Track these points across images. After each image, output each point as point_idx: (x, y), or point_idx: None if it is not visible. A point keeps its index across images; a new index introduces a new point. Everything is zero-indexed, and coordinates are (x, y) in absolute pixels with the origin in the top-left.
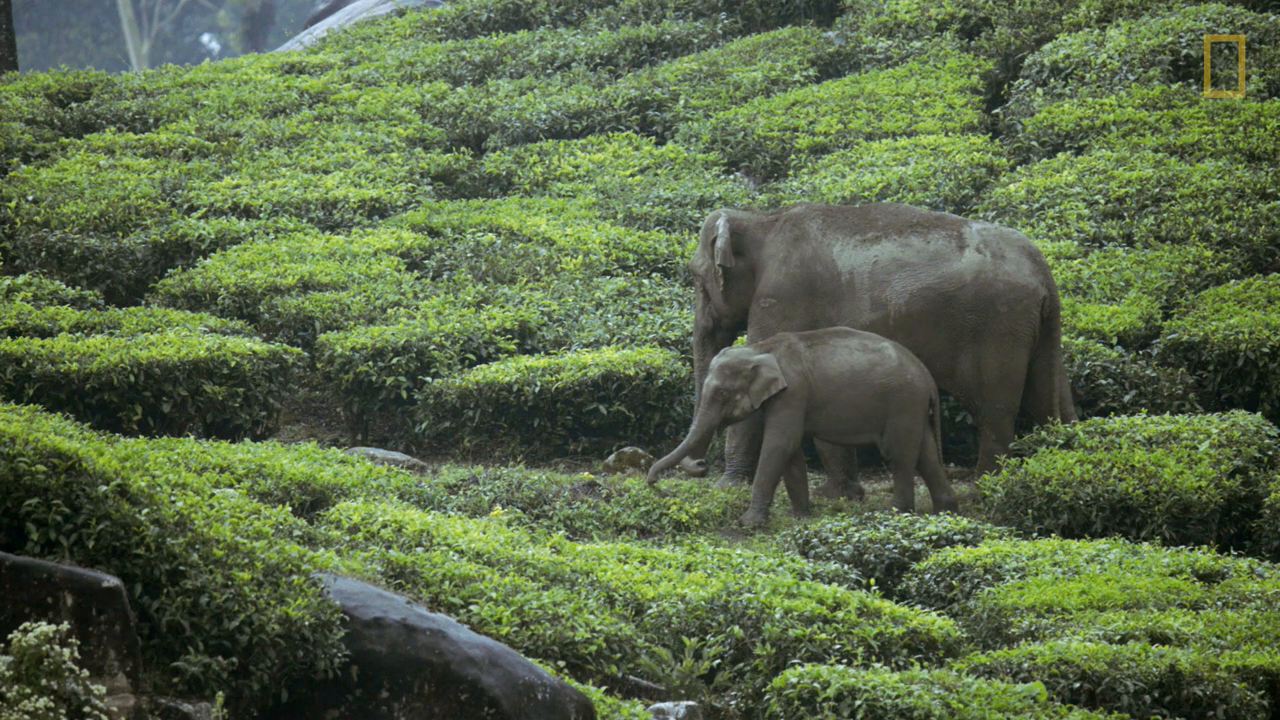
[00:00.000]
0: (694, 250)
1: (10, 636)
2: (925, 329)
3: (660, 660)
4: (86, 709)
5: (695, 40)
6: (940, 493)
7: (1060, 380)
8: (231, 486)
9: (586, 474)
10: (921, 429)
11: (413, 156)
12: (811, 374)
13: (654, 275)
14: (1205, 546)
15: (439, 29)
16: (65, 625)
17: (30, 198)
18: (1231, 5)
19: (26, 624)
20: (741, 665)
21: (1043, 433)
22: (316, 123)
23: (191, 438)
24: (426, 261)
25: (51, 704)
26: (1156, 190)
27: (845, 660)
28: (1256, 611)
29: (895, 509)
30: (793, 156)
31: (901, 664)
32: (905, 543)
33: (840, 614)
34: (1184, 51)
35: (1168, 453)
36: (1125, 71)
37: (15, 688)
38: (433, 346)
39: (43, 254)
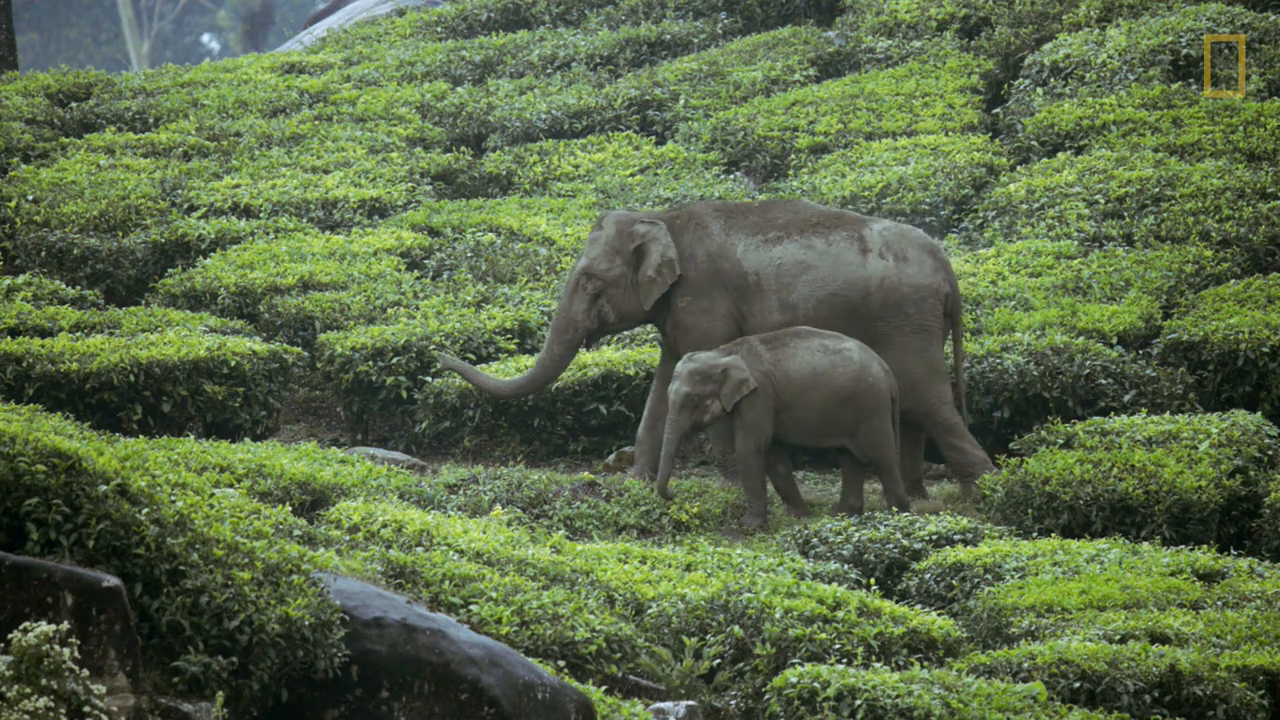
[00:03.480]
0: (593, 254)
1: (10, 636)
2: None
3: (660, 660)
4: (86, 709)
5: (695, 40)
6: (851, 497)
7: (961, 376)
8: (231, 486)
9: (586, 474)
10: (890, 428)
11: (413, 156)
12: (774, 375)
13: None
14: (1205, 546)
15: (439, 29)
16: (65, 625)
17: (30, 198)
18: (1231, 5)
19: (26, 624)
20: (741, 665)
21: (1043, 432)
22: (316, 123)
23: (191, 438)
24: (426, 261)
25: (51, 704)
26: (1156, 190)
27: (845, 660)
28: (1256, 611)
29: (893, 510)
30: (793, 156)
31: (901, 664)
32: (905, 542)
33: (840, 614)
34: (1184, 51)
35: (1168, 452)
36: (1125, 71)
37: (15, 687)
38: (433, 346)
39: (43, 254)
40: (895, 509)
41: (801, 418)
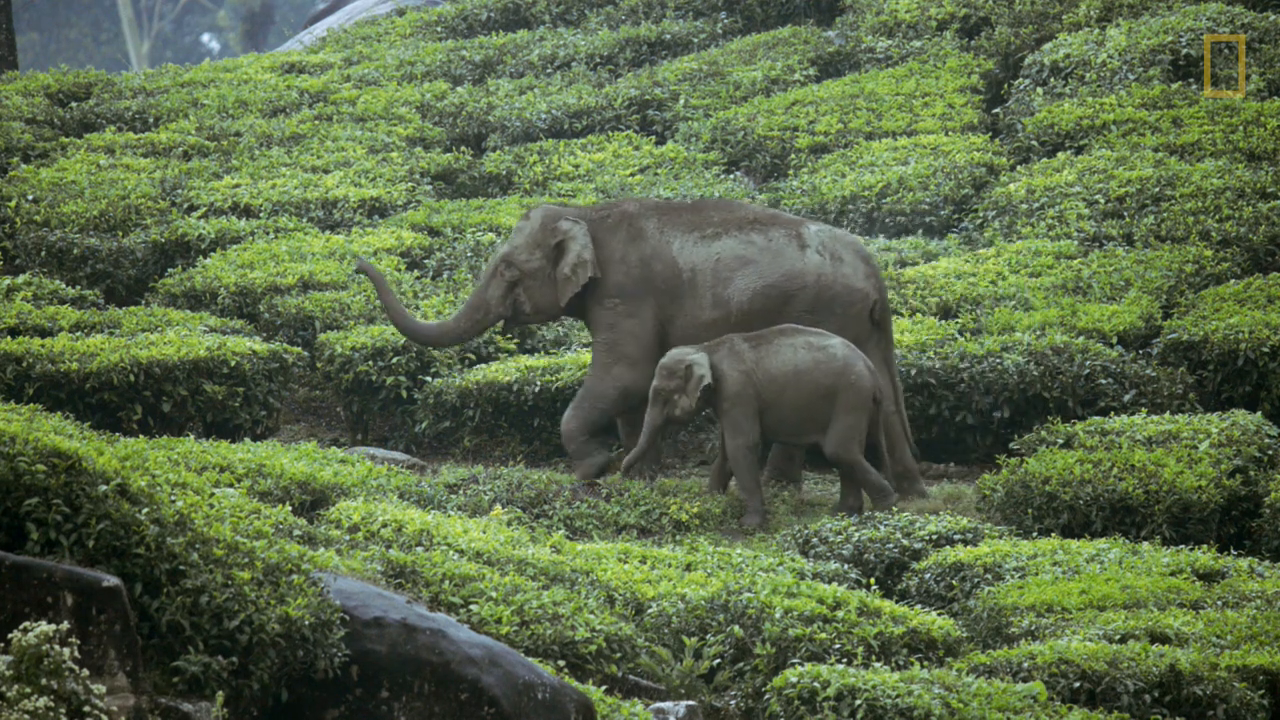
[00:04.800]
0: (516, 243)
1: (10, 636)
2: (764, 327)
3: (660, 660)
4: (86, 709)
5: (695, 40)
6: (850, 498)
7: (896, 382)
8: (231, 486)
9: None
10: (864, 428)
11: (413, 156)
12: (755, 374)
13: None
14: (1205, 546)
15: (439, 29)
16: (65, 625)
17: (30, 197)
18: (1231, 5)
19: (26, 624)
20: (741, 665)
21: (1043, 432)
22: (316, 122)
23: (191, 437)
24: (426, 261)
25: (51, 704)
26: (1156, 190)
27: (845, 660)
28: (1256, 611)
29: (872, 504)
30: (793, 156)
31: (901, 664)
32: (905, 542)
33: (840, 613)
34: (1184, 51)
35: (1168, 452)
36: (1125, 71)
37: (15, 687)
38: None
39: (43, 254)
40: (844, 513)
41: (782, 415)
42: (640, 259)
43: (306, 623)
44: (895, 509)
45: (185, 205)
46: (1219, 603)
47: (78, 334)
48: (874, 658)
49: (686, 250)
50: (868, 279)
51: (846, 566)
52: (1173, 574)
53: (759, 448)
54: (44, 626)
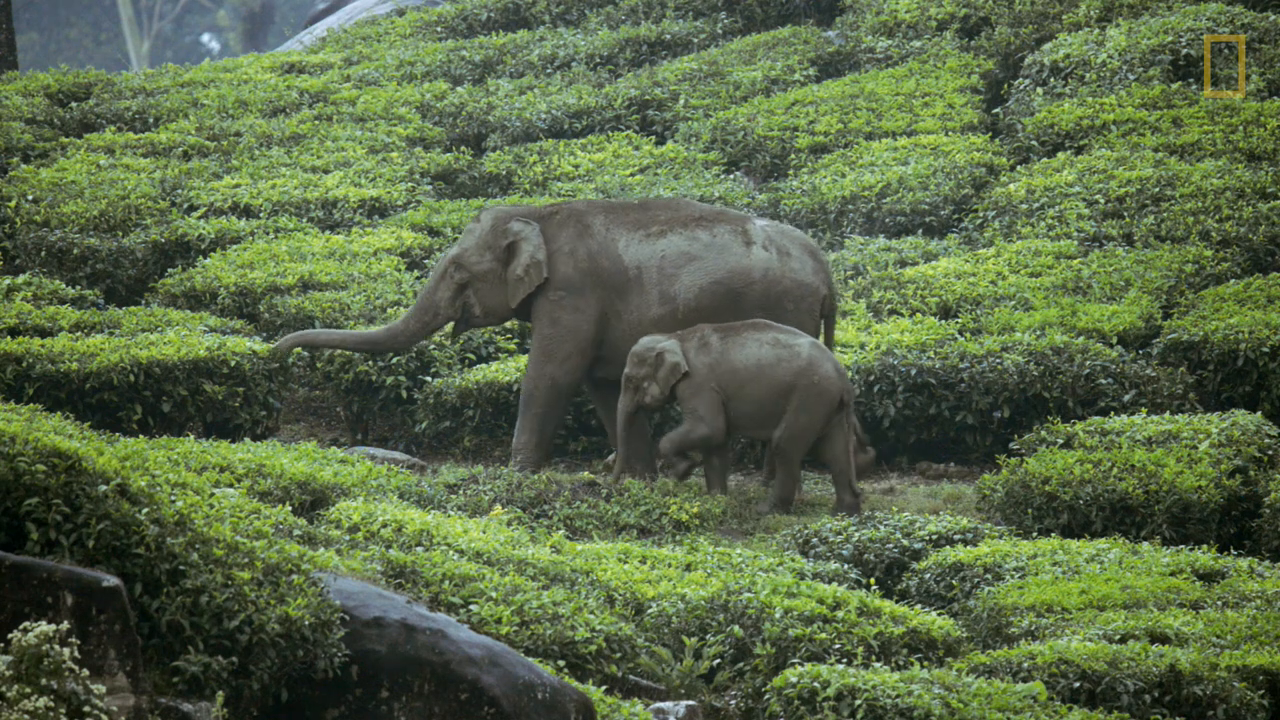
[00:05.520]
0: (466, 245)
1: (10, 636)
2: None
3: (660, 660)
4: (86, 709)
5: (695, 40)
6: (845, 494)
7: None
8: (231, 486)
9: (586, 474)
10: (817, 429)
11: (413, 156)
12: (719, 366)
13: None
14: (1205, 546)
15: (439, 29)
16: (65, 625)
17: (30, 197)
18: (1231, 5)
19: (26, 624)
20: (741, 665)
21: (1043, 432)
22: (316, 122)
23: (191, 437)
24: (426, 261)
25: (51, 704)
26: (1156, 190)
27: (845, 660)
28: (1256, 611)
29: (769, 505)
30: (793, 156)
31: (901, 664)
32: (905, 542)
33: (840, 614)
34: (1184, 51)
35: (1168, 452)
36: (1125, 71)
37: (15, 687)
38: (432, 346)
39: (43, 254)
40: (772, 509)
41: (742, 409)
42: (588, 253)
43: (306, 623)
44: (839, 516)
45: (185, 205)
46: (1219, 603)
47: (78, 334)
48: (874, 658)
49: (632, 248)
50: (816, 274)
51: (846, 566)
52: (1173, 574)
53: (716, 440)
54: (44, 626)
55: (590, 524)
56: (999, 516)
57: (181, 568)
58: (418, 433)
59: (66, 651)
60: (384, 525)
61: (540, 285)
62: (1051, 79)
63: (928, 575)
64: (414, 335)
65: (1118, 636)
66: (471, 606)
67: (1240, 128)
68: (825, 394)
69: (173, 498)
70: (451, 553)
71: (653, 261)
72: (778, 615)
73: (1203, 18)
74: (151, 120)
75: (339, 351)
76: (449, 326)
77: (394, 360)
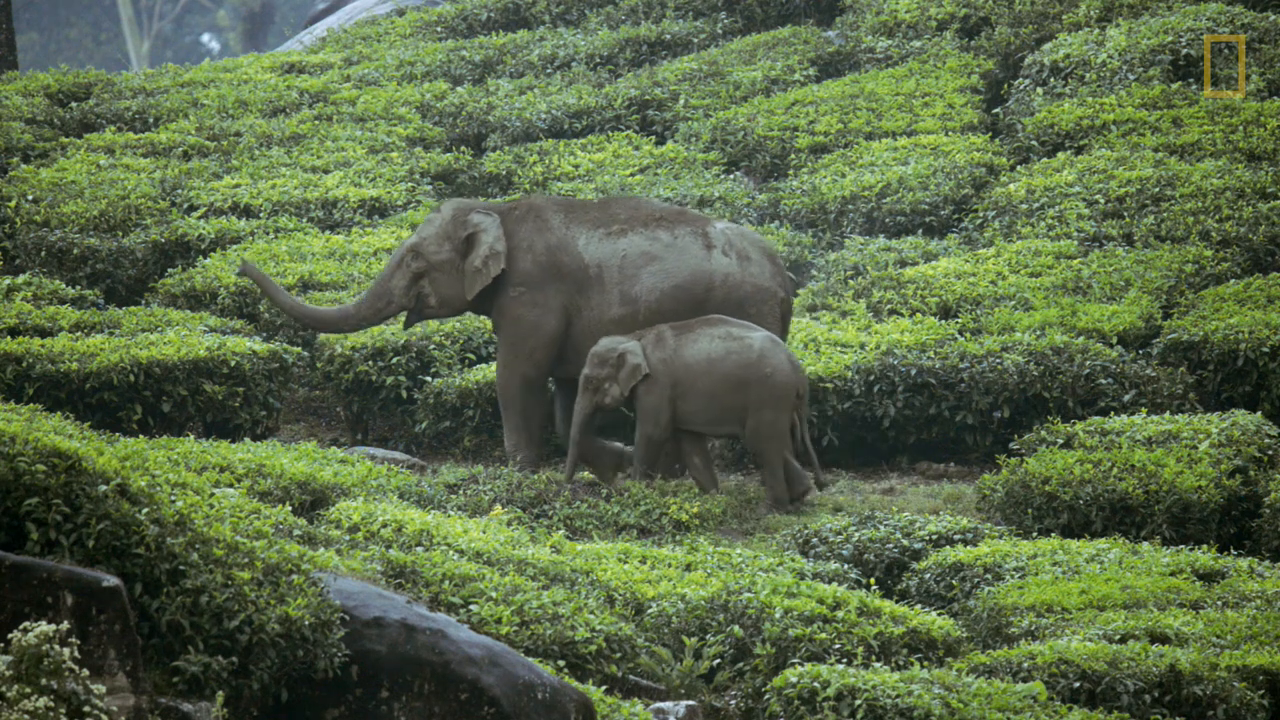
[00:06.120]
0: (425, 234)
1: (10, 636)
2: None
3: (660, 660)
4: (86, 708)
5: (695, 40)
6: (795, 486)
7: None
8: (231, 486)
9: (587, 474)
10: (785, 424)
11: (413, 156)
12: (673, 361)
13: None
14: (1205, 546)
15: (439, 29)
16: (65, 625)
17: (30, 197)
18: (1231, 5)
19: (26, 624)
20: (741, 665)
21: (1043, 432)
22: (316, 122)
23: (191, 437)
24: None
25: (51, 703)
26: (1156, 190)
27: (845, 660)
28: (1256, 611)
29: (766, 507)
30: (793, 156)
31: (901, 664)
32: (905, 542)
33: (840, 614)
34: (1184, 51)
35: (1168, 452)
36: (1125, 71)
37: (15, 687)
38: (432, 346)
39: (43, 254)
40: (770, 510)
41: (695, 405)
42: (547, 248)
43: (306, 623)
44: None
45: (185, 205)
46: (1219, 603)
47: (78, 334)
48: (874, 658)
49: (592, 246)
50: (774, 277)
51: (846, 566)
52: (1173, 574)
53: (665, 439)
54: (44, 626)
55: (590, 524)
56: (999, 516)
57: (181, 568)
58: (418, 433)
59: (66, 651)
60: (384, 525)
61: (499, 281)
62: (1051, 79)
63: (928, 575)
64: (365, 320)
65: (1118, 636)
66: (471, 606)
67: (1240, 128)
68: (778, 388)
69: (173, 498)
70: (451, 553)
71: (613, 261)
72: (778, 615)
73: (1203, 18)
74: (151, 120)
75: (339, 351)
76: (403, 316)
77: (394, 360)
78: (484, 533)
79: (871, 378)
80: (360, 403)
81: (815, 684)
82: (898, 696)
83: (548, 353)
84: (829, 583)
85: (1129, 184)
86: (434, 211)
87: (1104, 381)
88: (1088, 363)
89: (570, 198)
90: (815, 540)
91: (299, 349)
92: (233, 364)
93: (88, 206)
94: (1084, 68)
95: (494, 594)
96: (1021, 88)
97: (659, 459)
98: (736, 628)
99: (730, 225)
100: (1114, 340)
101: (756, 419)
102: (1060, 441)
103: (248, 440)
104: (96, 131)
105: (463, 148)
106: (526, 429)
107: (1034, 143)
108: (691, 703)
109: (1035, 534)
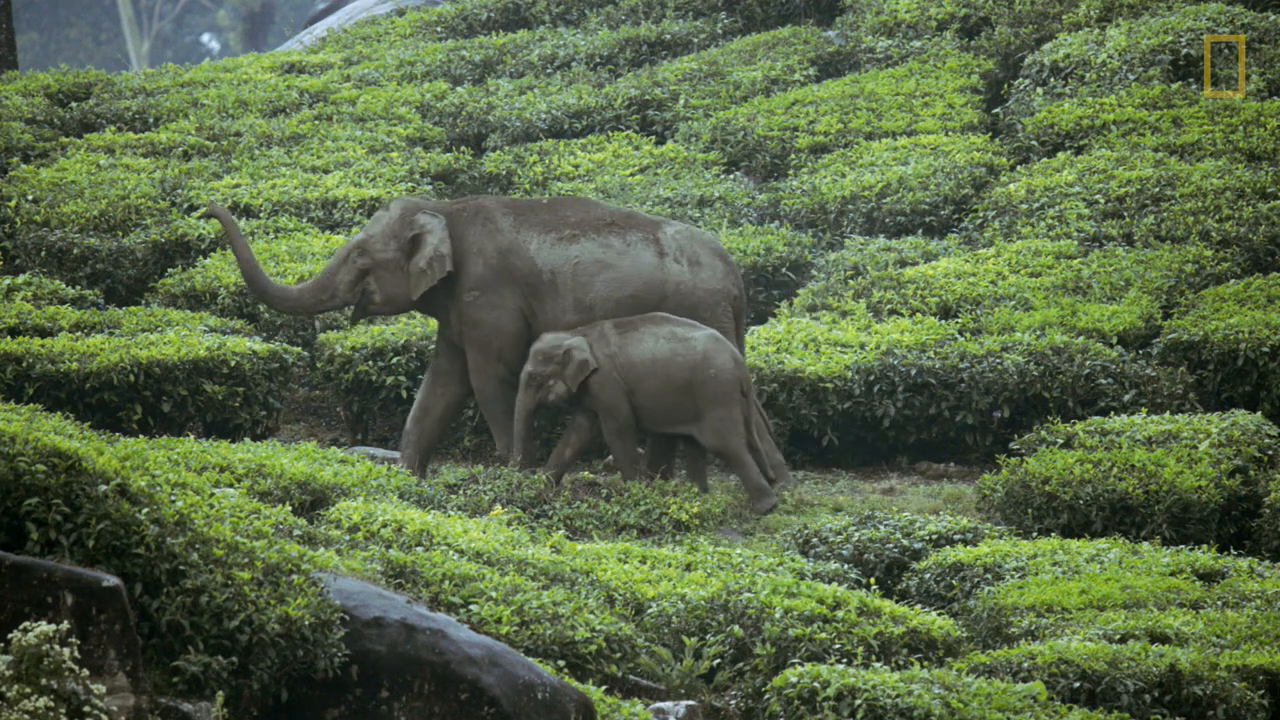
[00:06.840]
0: (372, 232)
1: (10, 636)
2: None
3: (660, 660)
4: (86, 708)
5: (695, 40)
6: (749, 480)
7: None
8: (231, 486)
9: (586, 473)
10: (739, 419)
11: (413, 156)
12: (618, 359)
13: None
14: (1205, 546)
15: (439, 29)
16: (65, 625)
17: (30, 197)
18: (1231, 5)
19: (26, 624)
20: (741, 665)
21: (1043, 432)
22: (316, 122)
23: (191, 437)
24: None
25: (51, 703)
26: (1156, 190)
27: (845, 660)
28: (1256, 611)
29: (752, 506)
30: (793, 156)
31: (901, 664)
32: (905, 542)
33: (840, 614)
34: (1184, 51)
35: (1168, 452)
36: (1125, 71)
37: (15, 687)
38: (433, 346)
39: (43, 254)
40: (756, 507)
41: (643, 404)
42: (497, 251)
43: (306, 623)
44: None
45: (185, 205)
46: (1219, 603)
47: (78, 334)
48: (874, 658)
49: (544, 251)
50: (726, 278)
51: (846, 566)
52: (1173, 574)
53: (634, 426)
54: (44, 626)
55: (590, 524)
56: (999, 516)
57: (181, 568)
58: None
59: (66, 651)
60: (384, 525)
61: (449, 284)
62: (1051, 79)
63: (928, 575)
64: (305, 307)
65: (1118, 636)
66: (471, 606)
67: (1240, 128)
68: (724, 385)
69: (173, 498)
70: (451, 553)
71: (566, 267)
72: (778, 615)
73: (1203, 18)
74: (151, 120)
75: (339, 351)
76: (349, 310)
77: (394, 360)
78: (484, 533)
79: (871, 378)
80: (360, 403)
81: (815, 684)
82: (898, 696)
83: (515, 351)
84: (829, 583)
85: (1129, 184)
86: (382, 209)
87: (1104, 381)
88: (1088, 363)
89: (517, 199)
90: (815, 540)
91: (299, 349)
92: (233, 364)
93: (88, 206)
94: (1084, 68)
95: (494, 594)
96: (1021, 88)
97: (635, 448)
98: (736, 628)
99: (681, 227)
100: (1114, 340)
101: (710, 417)
102: (1060, 441)
103: (248, 440)
104: (96, 131)
105: (463, 148)
106: (512, 429)
107: (1034, 143)
108: (691, 703)
109: (1035, 534)
